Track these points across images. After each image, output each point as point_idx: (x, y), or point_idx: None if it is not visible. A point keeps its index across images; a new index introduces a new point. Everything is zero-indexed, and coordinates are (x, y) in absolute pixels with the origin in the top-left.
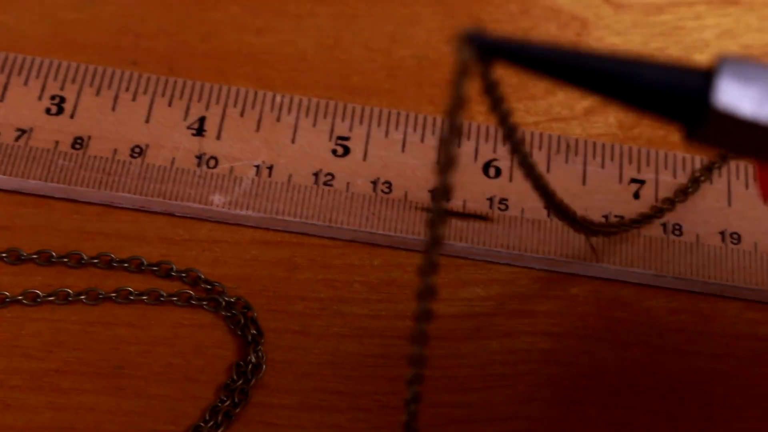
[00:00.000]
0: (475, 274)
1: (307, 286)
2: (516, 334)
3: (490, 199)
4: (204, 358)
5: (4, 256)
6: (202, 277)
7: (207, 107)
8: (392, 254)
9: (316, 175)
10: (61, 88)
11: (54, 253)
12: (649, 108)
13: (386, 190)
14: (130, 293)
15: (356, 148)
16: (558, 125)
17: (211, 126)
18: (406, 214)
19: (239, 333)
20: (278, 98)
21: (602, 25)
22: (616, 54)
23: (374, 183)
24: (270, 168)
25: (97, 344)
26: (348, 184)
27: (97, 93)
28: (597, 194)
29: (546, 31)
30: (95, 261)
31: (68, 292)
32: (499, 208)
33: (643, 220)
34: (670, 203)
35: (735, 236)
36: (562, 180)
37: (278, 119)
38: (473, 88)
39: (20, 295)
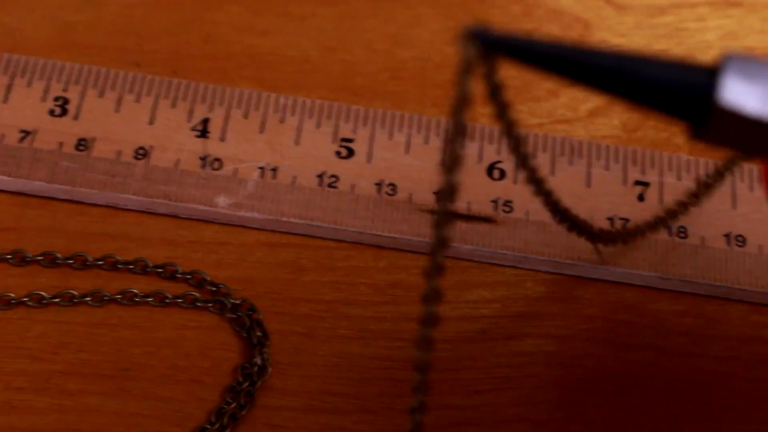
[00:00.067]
0: (479, 276)
1: (313, 288)
2: (521, 337)
3: (495, 201)
4: (209, 360)
5: (9, 258)
6: (208, 279)
7: (211, 109)
8: (397, 256)
9: (320, 176)
10: (65, 90)
11: (59, 255)
12: (654, 106)
13: (390, 191)
14: (135, 295)
15: (360, 150)
16: (562, 127)
17: (214, 128)
18: (410, 215)
19: (245, 335)
20: (282, 100)
21: (605, 26)
22: (621, 51)
23: (378, 185)
24: (274, 170)
25: (102, 346)
26: (352, 185)
27: (101, 94)
28: (601, 196)
29: (549, 32)
30: (100, 263)
31: (73, 294)
32: (504, 210)
33: (655, 224)
34: (683, 207)
35: (740, 239)
36: (566, 182)
37: (282, 121)
38: (477, 90)
39: (25, 297)
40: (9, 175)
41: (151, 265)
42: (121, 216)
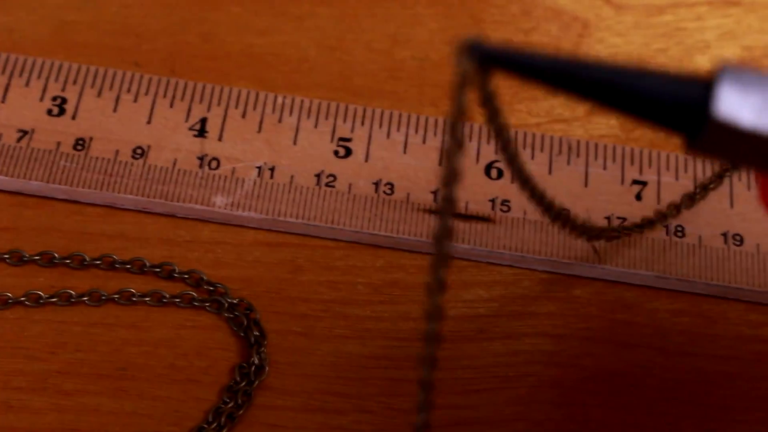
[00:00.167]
0: (477, 275)
1: (310, 287)
2: (518, 336)
3: (492, 201)
4: (207, 360)
5: (7, 258)
6: (205, 278)
7: (209, 108)
8: (395, 255)
9: (318, 176)
10: (63, 89)
11: (56, 255)
12: (649, 118)
13: (388, 191)
14: (133, 295)
15: (358, 150)
16: (560, 126)
17: (212, 127)
18: (408, 215)
19: (242, 335)
20: (280, 99)
21: (603, 26)
22: (617, 63)
23: (376, 184)
24: (272, 169)
25: (99, 346)
26: (350, 185)
27: (99, 94)
28: (599, 196)
29: (547, 32)
30: (98, 262)
31: (71, 294)
32: (501, 210)
33: (647, 224)
34: (676, 209)
35: (737, 238)
36: (563, 181)
37: (280, 120)
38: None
39: (23, 297)
40: (6, 175)
41: (148, 264)
42: (118, 215)
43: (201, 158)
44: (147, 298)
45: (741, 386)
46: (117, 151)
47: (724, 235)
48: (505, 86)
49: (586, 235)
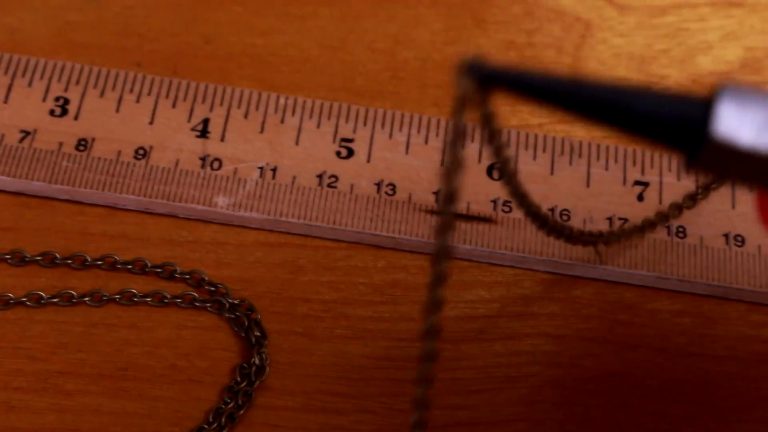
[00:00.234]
0: (478, 276)
1: (311, 288)
2: (519, 336)
3: (494, 201)
4: (208, 360)
5: (8, 258)
6: (206, 278)
7: (211, 109)
8: (396, 256)
9: (320, 176)
10: (65, 90)
11: (58, 255)
12: (649, 136)
13: (390, 191)
14: (134, 295)
15: (360, 150)
16: (562, 127)
17: (215, 127)
18: (410, 215)
19: (243, 335)
20: (282, 100)
21: (606, 26)
22: (616, 82)
23: (378, 185)
24: (274, 170)
25: (101, 346)
26: (352, 185)
27: (101, 94)
28: (601, 196)
29: (550, 32)
30: (99, 263)
31: (72, 294)
32: (503, 210)
33: (648, 226)
34: (678, 210)
35: (739, 239)
36: (566, 182)
37: (282, 121)
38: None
39: (24, 297)
40: (9, 175)
41: (150, 265)
42: (120, 216)
43: (203, 159)
44: (148, 299)
45: (741, 386)
46: (119, 152)
47: (726, 235)
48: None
49: (587, 243)
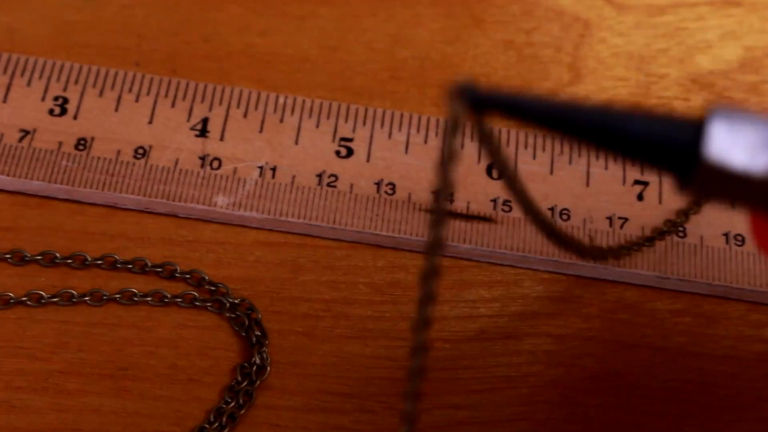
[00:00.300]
0: (478, 275)
1: (311, 287)
2: (520, 336)
3: (494, 201)
4: (208, 360)
5: (8, 258)
6: (206, 278)
7: (210, 108)
8: (396, 255)
9: (319, 176)
10: (65, 89)
11: (58, 254)
12: (640, 159)
13: (390, 191)
14: (134, 294)
15: (360, 150)
16: None
17: (214, 127)
18: (409, 215)
19: (243, 334)
20: (281, 99)
21: (605, 26)
22: (607, 106)
23: (378, 184)
24: (273, 169)
25: (101, 345)
26: (351, 185)
27: (100, 94)
28: (600, 196)
29: (548, 32)
30: (99, 262)
31: (72, 294)
32: (503, 210)
33: (658, 236)
34: (685, 215)
35: (739, 238)
36: (565, 181)
37: (281, 120)
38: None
39: (24, 297)
40: (8, 175)
41: (150, 264)
42: (120, 215)
43: (202, 158)
44: (148, 298)
45: (742, 386)
46: (118, 151)
47: (726, 235)
48: (506, 86)
49: (597, 257)
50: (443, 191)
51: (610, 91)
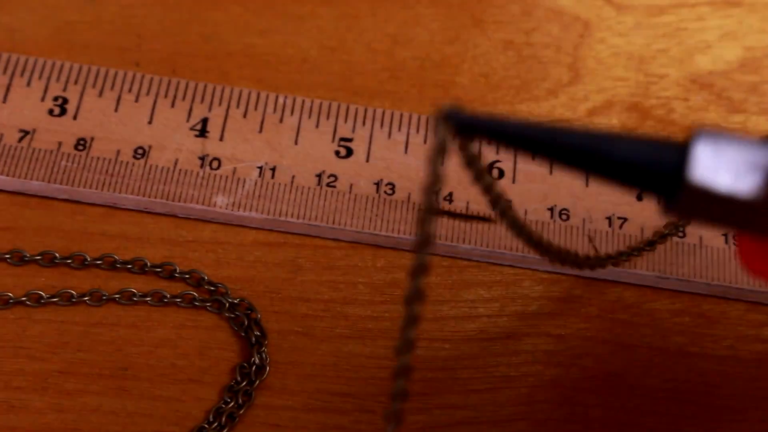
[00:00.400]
0: (478, 275)
1: (311, 287)
2: (519, 336)
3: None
4: (208, 360)
5: (8, 258)
6: (206, 278)
7: (210, 108)
8: (395, 255)
9: (319, 176)
10: (64, 89)
11: (57, 255)
12: (625, 182)
13: (389, 191)
14: (134, 294)
15: (359, 150)
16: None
17: (213, 127)
18: (409, 215)
19: (243, 334)
20: (281, 99)
21: (604, 26)
22: (591, 130)
23: (377, 184)
24: (273, 169)
25: (100, 345)
26: (351, 185)
27: (100, 94)
28: (600, 196)
29: (548, 32)
30: (99, 262)
31: (72, 294)
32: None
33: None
34: (679, 230)
35: None
36: (565, 182)
37: (281, 120)
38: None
39: (24, 297)
40: (8, 175)
41: (149, 264)
42: (119, 215)
43: (202, 158)
44: (148, 298)
45: (741, 385)
46: (118, 151)
47: (726, 235)
48: (507, 86)
49: (594, 267)
50: (429, 216)
51: (610, 91)
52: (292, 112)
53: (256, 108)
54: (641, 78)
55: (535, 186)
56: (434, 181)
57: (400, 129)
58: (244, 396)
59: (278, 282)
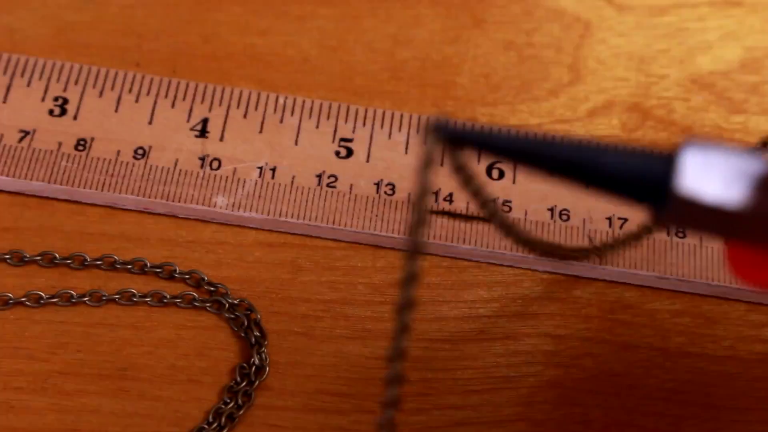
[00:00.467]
0: (478, 276)
1: (311, 287)
2: (519, 336)
3: (494, 202)
4: (207, 360)
5: (8, 258)
6: (206, 278)
7: (210, 109)
8: (395, 256)
9: (319, 176)
10: (64, 90)
11: (57, 255)
12: (614, 192)
13: (389, 191)
14: (134, 295)
15: (359, 150)
16: (561, 127)
17: (214, 127)
18: (409, 215)
19: (242, 335)
20: (281, 100)
21: (605, 26)
22: (580, 142)
23: (377, 185)
24: (273, 170)
25: (100, 346)
26: (351, 185)
27: (100, 94)
28: (600, 196)
29: (549, 32)
30: (98, 263)
31: (71, 294)
32: (503, 210)
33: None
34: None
35: None
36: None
37: (281, 121)
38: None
39: (23, 297)
40: (8, 175)
41: (149, 264)
42: (119, 216)
43: (202, 158)
44: (148, 299)
45: (741, 386)
46: (118, 152)
47: None
48: (507, 87)
49: (580, 258)
50: (418, 227)
51: (611, 92)
52: (292, 113)
53: (256, 108)
54: (642, 78)
55: (535, 186)
56: (423, 193)
57: (400, 129)
58: (244, 396)
59: (278, 282)
